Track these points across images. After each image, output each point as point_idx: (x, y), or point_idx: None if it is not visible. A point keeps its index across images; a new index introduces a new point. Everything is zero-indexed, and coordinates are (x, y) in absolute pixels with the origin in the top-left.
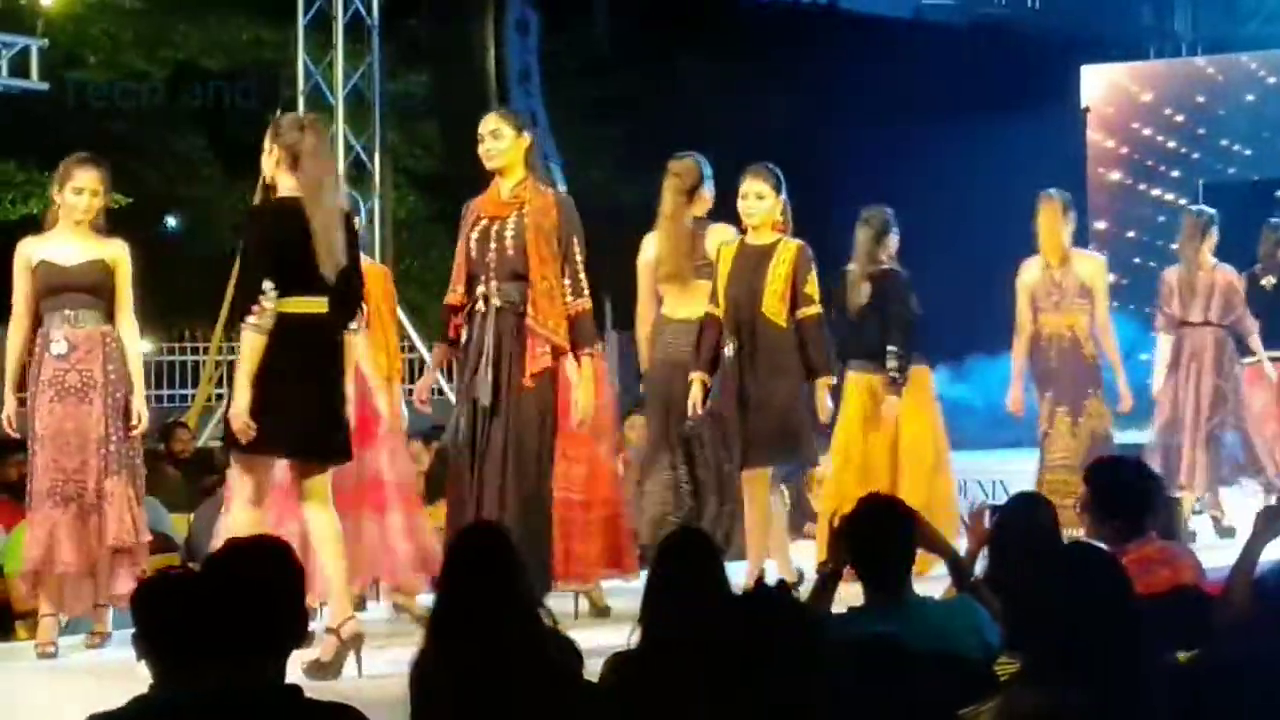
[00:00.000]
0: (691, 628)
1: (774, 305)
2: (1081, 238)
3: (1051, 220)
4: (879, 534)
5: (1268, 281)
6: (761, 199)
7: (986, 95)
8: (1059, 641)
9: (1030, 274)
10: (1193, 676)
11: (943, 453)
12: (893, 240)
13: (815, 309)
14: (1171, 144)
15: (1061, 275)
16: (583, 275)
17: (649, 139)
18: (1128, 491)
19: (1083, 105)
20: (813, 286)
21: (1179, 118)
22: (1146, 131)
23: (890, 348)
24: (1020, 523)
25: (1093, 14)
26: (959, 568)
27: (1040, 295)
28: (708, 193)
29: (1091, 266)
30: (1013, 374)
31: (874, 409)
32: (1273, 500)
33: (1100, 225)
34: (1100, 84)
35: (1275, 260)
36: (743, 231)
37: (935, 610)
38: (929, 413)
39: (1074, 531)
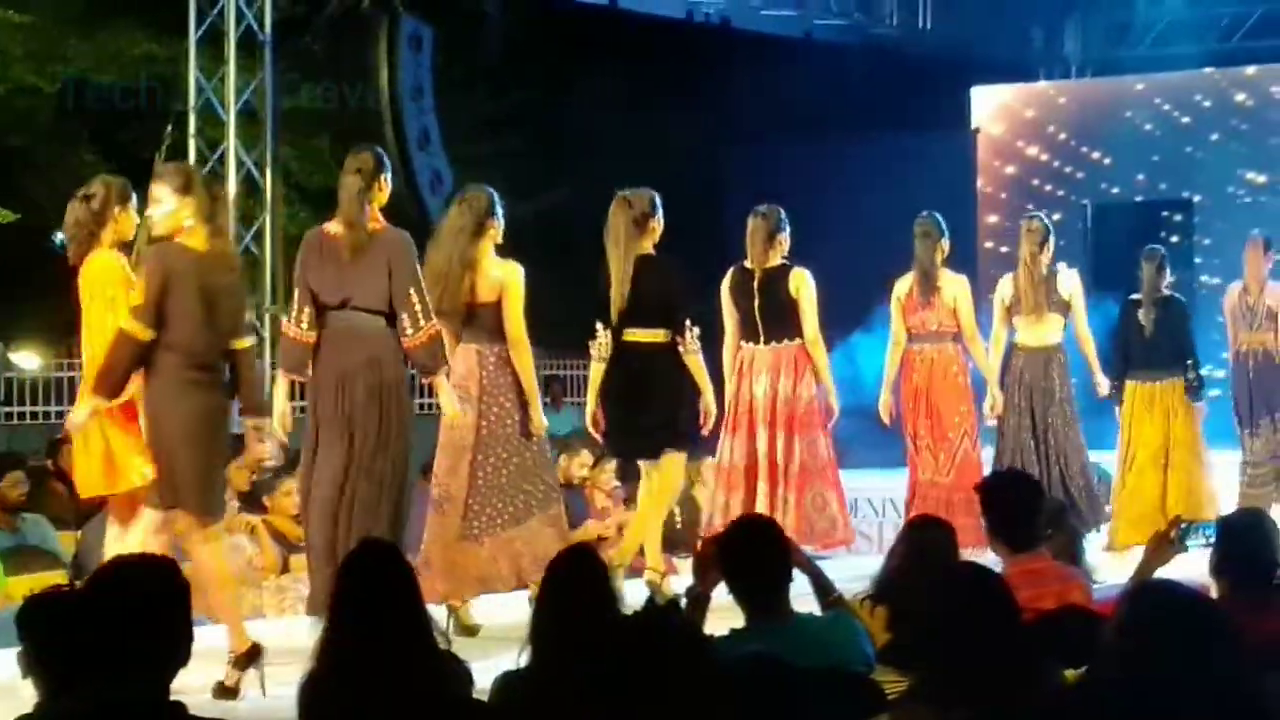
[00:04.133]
0: (579, 648)
1: None
2: (971, 257)
3: (1254, 256)
4: (758, 554)
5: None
6: (159, 203)
7: (878, 115)
8: (949, 660)
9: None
10: (1079, 695)
11: (1205, 456)
12: (1168, 273)
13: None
14: (1059, 165)
15: (1255, 300)
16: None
17: (543, 155)
18: (1019, 506)
19: (973, 126)
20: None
21: (1068, 139)
22: (1034, 152)
23: (1188, 361)
24: (917, 544)
25: (983, 36)
26: (821, 586)
27: (1238, 315)
28: (1052, 245)
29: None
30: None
31: (1145, 415)
32: None
33: (989, 245)
34: (990, 105)
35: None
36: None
37: (816, 625)
38: (1196, 420)
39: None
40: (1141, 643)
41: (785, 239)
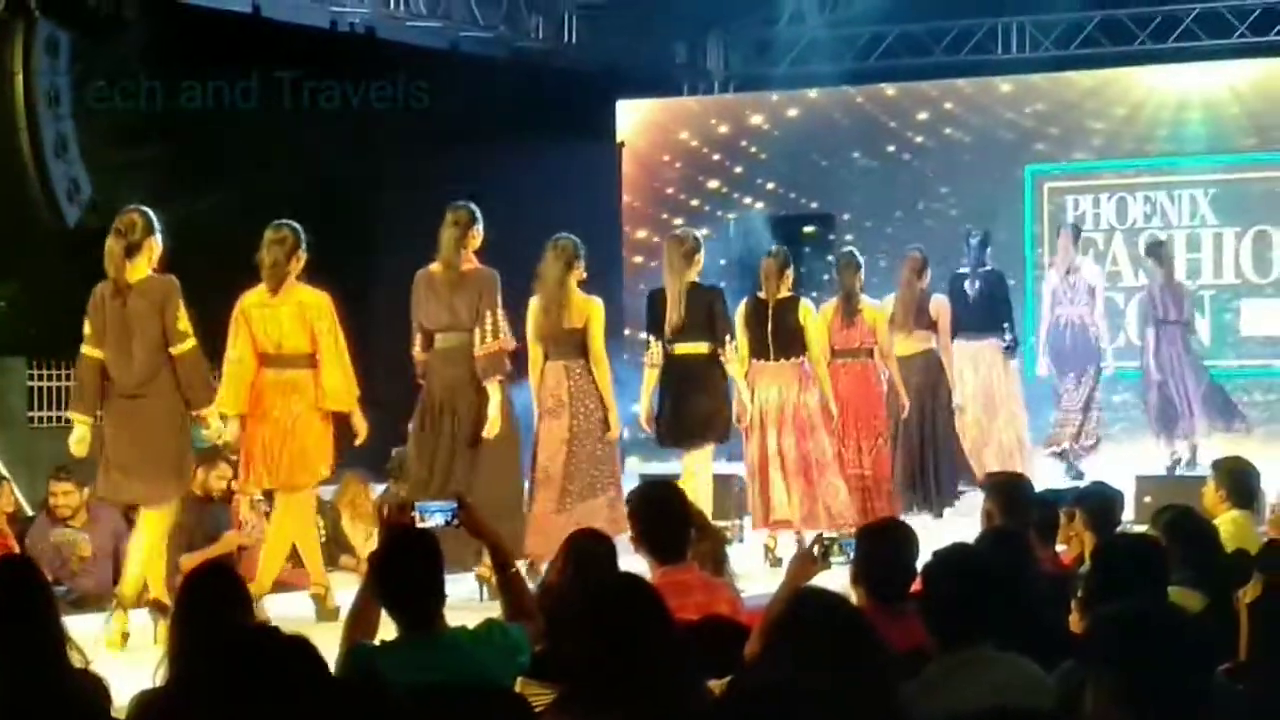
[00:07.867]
0: (213, 663)
1: None
2: (617, 269)
3: (1064, 243)
4: (408, 569)
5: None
6: None
7: (525, 128)
8: (600, 668)
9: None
10: (727, 704)
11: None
12: (990, 251)
13: None
14: (703, 179)
15: (1074, 278)
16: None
17: (184, 163)
18: (665, 516)
19: (618, 140)
20: None
21: (710, 153)
22: (679, 166)
23: (1004, 324)
24: (576, 556)
25: (628, 51)
26: (500, 557)
27: (1060, 292)
28: (929, 273)
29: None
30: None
31: (969, 370)
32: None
33: (637, 259)
34: (635, 119)
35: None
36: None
37: (468, 642)
38: (1015, 375)
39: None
40: (791, 649)
41: (791, 273)
